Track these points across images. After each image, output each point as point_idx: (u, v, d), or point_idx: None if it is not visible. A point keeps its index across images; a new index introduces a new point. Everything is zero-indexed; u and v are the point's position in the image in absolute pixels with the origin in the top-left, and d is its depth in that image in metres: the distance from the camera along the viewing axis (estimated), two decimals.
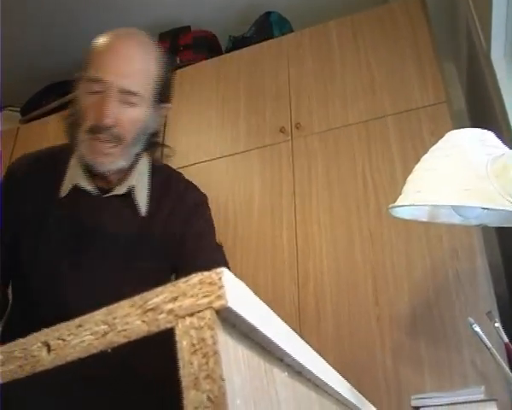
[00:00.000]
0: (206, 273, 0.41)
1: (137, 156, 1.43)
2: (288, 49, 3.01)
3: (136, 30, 1.41)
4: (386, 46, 2.76)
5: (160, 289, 0.42)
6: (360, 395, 1.06)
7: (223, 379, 0.38)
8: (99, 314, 0.44)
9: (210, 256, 1.44)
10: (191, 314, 0.40)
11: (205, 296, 0.40)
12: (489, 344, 1.59)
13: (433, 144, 1.39)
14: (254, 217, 2.67)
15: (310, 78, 2.87)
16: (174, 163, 2.97)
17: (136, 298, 0.43)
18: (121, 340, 0.42)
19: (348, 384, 0.92)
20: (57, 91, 3.71)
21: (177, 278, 1.34)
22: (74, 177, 1.37)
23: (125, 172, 1.41)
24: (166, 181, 1.51)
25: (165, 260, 1.43)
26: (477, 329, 1.61)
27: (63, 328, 0.46)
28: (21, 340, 0.48)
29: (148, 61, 1.35)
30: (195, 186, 1.60)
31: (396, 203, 1.28)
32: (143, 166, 1.46)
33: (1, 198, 1.40)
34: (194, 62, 3.28)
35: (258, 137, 2.85)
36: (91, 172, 1.36)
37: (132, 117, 1.31)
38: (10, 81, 3.92)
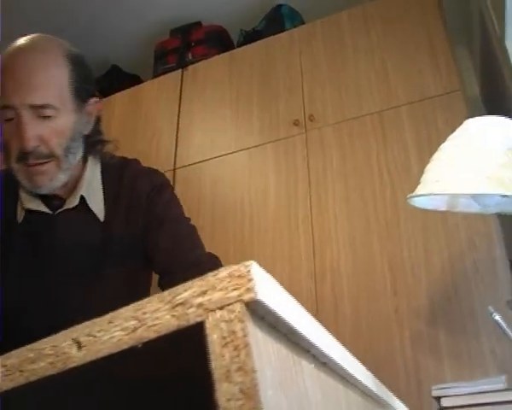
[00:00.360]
0: (234, 266, 0.42)
1: (81, 163, 1.38)
2: (300, 41, 3.01)
3: (34, 38, 1.30)
4: (399, 35, 2.75)
5: (188, 283, 0.43)
6: (384, 387, 1.06)
7: (254, 371, 0.38)
8: (129, 310, 0.44)
9: (174, 242, 1.37)
10: (221, 308, 0.40)
11: (234, 289, 0.41)
12: (509, 333, 1.58)
13: (448, 133, 1.38)
14: (270, 210, 2.67)
15: (322, 69, 2.87)
16: (189, 159, 3.01)
17: (165, 293, 0.43)
18: (151, 335, 0.42)
19: (372, 376, 0.92)
20: None
21: (154, 270, 1.31)
22: (25, 201, 1.34)
23: (75, 183, 1.37)
24: (119, 176, 1.44)
25: (136, 258, 1.39)
26: (497, 318, 1.60)
27: (93, 324, 0.46)
28: (51, 337, 0.48)
29: (52, 68, 1.26)
30: (148, 172, 1.50)
31: (414, 193, 1.28)
32: (92, 171, 1.41)
33: None
34: (207, 57, 3.28)
35: (273, 131, 2.85)
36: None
37: (54, 129, 1.25)
38: None
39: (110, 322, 0.45)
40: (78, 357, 0.46)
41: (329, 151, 2.65)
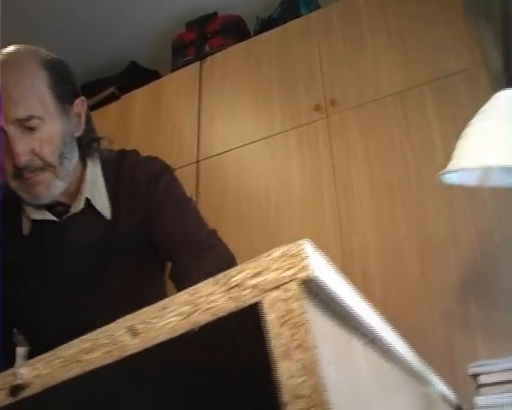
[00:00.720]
0: (287, 246, 0.42)
1: (80, 166, 1.37)
2: (317, 25, 2.99)
3: (6, 53, 1.28)
4: (416, 12, 2.71)
5: (241, 265, 0.43)
6: (424, 364, 1.06)
7: (315, 347, 0.38)
8: (183, 295, 0.45)
9: (177, 225, 1.35)
10: (277, 287, 0.41)
11: (289, 269, 0.41)
12: None
13: (473, 109, 1.37)
14: (295, 197, 2.67)
15: (341, 53, 2.85)
16: (212, 150, 3.02)
17: (219, 276, 0.43)
18: (207, 318, 0.43)
19: (414, 353, 0.92)
20: (91, 90, 3.75)
21: (160, 256, 1.30)
22: (30, 213, 1.33)
23: (77, 186, 1.36)
24: (118, 170, 1.42)
25: (144, 251, 1.38)
26: None
27: (147, 312, 0.46)
28: (106, 327, 0.49)
29: (29, 78, 1.24)
30: (146, 160, 1.47)
31: (447, 169, 1.27)
32: (93, 170, 1.39)
33: None
34: (224, 48, 3.28)
35: (294, 118, 2.84)
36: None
37: (44, 139, 1.23)
38: None
39: (164, 308, 0.45)
40: (133, 345, 0.46)
41: (352, 135, 2.64)
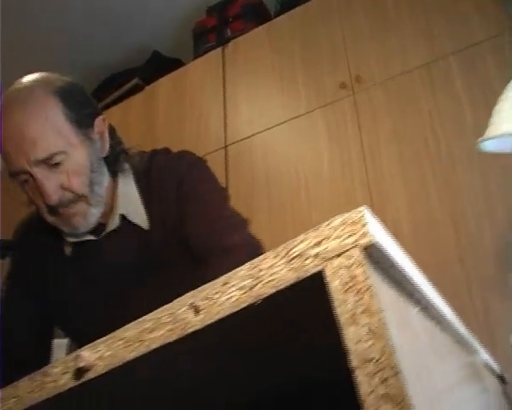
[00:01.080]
0: (346, 214, 0.42)
1: (111, 183, 1.34)
2: (339, 1, 2.96)
3: (16, 89, 1.22)
4: None
5: (301, 236, 0.43)
6: (470, 332, 1.06)
7: (381, 311, 0.39)
8: (243, 270, 0.45)
9: (205, 227, 1.30)
10: (338, 255, 0.41)
11: (350, 236, 0.41)
12: None
13: (502, 78, 1.35)
14: (325, 177, 2.67)
15: (364, 28, 2.82)
16: (239, 134, 3.02)
17: (279, 248, 0.44)
18: (270, 291, 0.43)
19: (462, 323, 0.92)
20: (115, 82, 3.78)
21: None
22: (69, 236, 1.32)
23: (111, 203, 1.33)
24: (147, 176, 1.37)
25: (182, 254, 1.34)
26: None
27: (208, 288, 0.47)
28: (166, 306, 0.50)
29: (43, 114, 1.17)
30: (172, 161, 1.41)
31: (485, 136, 1.26)
32: (125, 183, 1.35)
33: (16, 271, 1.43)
34: (245, 32, 3.27)
35: (319, 97, 2.83)
36: None
37: (71, 172, 1.19)
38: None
39: (225, 283, 0.46)
40: (196, 321, 0.47)
41: (379, 110, 2.62)
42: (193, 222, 1.30)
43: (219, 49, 3.34)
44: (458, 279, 2.16)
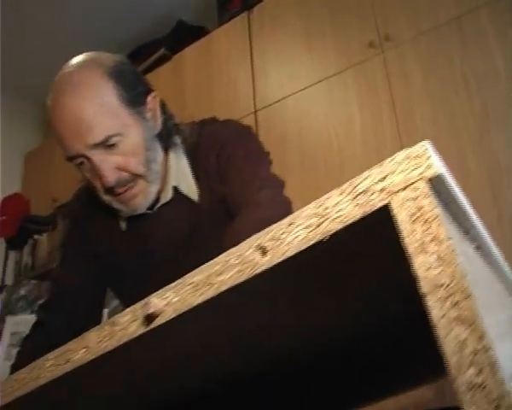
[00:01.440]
0: (410, 149, 0.43)
1: (163, 157, 1.34)
2: None
3: (68, 73, 1.21)
4: None
5: (365, 173, 0.45)
6: None
7: (449, 238, 0.40)
8: (308, 209, 0.47)
9: (240, 189, 1.29)
10: (404, 188, 0.43)
11: (414, 169, 0.43)
12: None
13: None
14: (357, 138, 2.67)
15: None
16: (269, 99, 3.02)
17: (344, 186, 0.45)
18: (337, 227, 0.45)
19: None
20: (142, 54, 3.79)
21: None
22: (123, 212, 1.34)
23: (164, 176, 1.34)
24: (196, 147, 1.37)
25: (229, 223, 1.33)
26: None
27: (274, 229, 0.49)
28: (233, 249, 0.52)
29: (96, 97, 1.17)
30: (217, 129, 1.41)
31: None
32: (176, 155, 1.36)
33: (73, 242, 1.47)
34: None
35: (348, 57, 2.82)
36: None
37: (127, 152, 1.21)
38: None
39: (291, 223, 0.48)
40: (264, 261, 0.49)
41: (410, 68, 2.60)
42: (229, 184, 1.31)
43: (245, 15, 3.33)
44: (495, 237, 2.15)
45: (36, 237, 4.23)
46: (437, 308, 0.40)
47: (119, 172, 1.20)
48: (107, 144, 1.17)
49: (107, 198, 1.25)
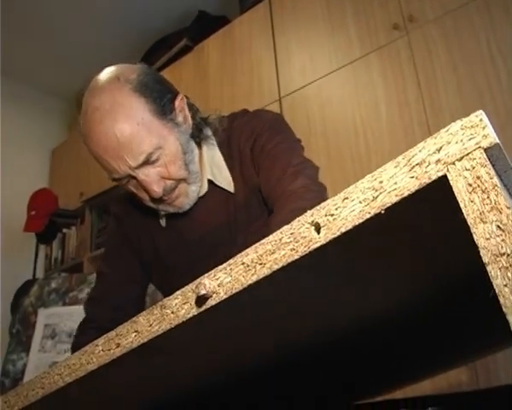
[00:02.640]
0: (465, 119, 0.43)
1: (199, 157, 1.36)
2: None
3: (98, 96, 1.20)
4: None
5: (420, 145, 0.45)
6: None
7: (508, 207, 0.40)
8: (363, 183, 0.47)
9: (274, 181, 1.29)
10: (460, 159, 0.42)
11: (470, 139, 0.43)
12: None
13: None
14: (383, 121, 2.65)
15: None
16: (293, 85, 3.02)
17: (398, 158, 0.45)
18: (394, 199, 0.44)
19: None
20: (164, 46, 3.81)
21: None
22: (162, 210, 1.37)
23: (200, 170, 1.36)
24: (229, 139, 1.40)
25: (265, 213, 1.36)
26: None
27: (328, 205, 0.49)
28: (285, 227, 0.52)
29: (132, 118, 1.18)
30: (249, 120, 1.42)
31: None
32: (209, 149, 1.38)
33: (118, 242, 1.51)
34: None
35: (372, 40, 2.80)
36: None
37: (167, 162, 1.23)
38: (120, 48, 4.06)
39: (345, 198, 0.48)
40: (318, 238, 0.49)
41: (435, 48, 2.58)
42: (264, 175, 1.32)
43: (266, 1, 3.32)
44: None
45: (64, 230, 4.29)
46: (499, 277, 0.40)
47: (164, 181, 1.23)
48: (150, 161, 1.20)
49: (152, 204, 1.29)
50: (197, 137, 1.36)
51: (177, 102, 1.29)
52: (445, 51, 2.53)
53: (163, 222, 1.41)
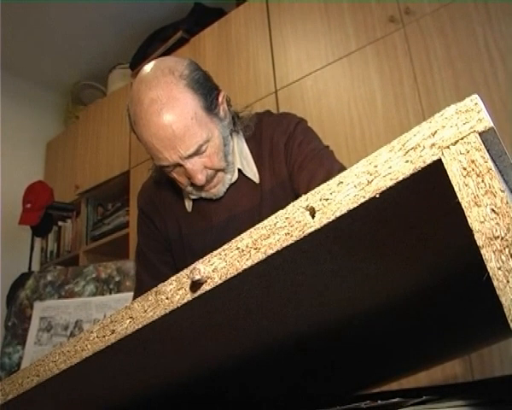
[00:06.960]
0: (460, 103, 0.43)
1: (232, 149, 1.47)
2: None
3: (152, 83, 1.27)
4: None
5: (414, 129, 0.45)
6: None
7: (502, 191, 0.40)
8: (357, 167, 0.47)
9: (310, 182, 1.38)
10: (455, 143, 0.43)
11: (465, 123, 0.43)
12: None
13: None
14: (379, 114, 2.65)
15: None
16: (289, 78, 3.01)
17: (393, 143, 0.45)
18: (388, 183, 0.44)
19: None
20: (160, 38, 3.79)
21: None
22: (190, 194, 1.46)
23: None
24: (258, 134, 1.50)
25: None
26: None
27: (323, 190, 0.49)
28: (280, 211, 0.52)
29: (186, 112, 1.26)
30: (280, 120, 1.52)
31: None
32: (239, 140, 1.48)
33: (144, 230, 1.60)
34: None
35: (368, 32, 2.80)
36: None
37: (211, 154, 1.33)
38: (115, 40, 4.05)
39: (340, 183, 0.48)
40: (313, 222, 0.49)
41: (431, 41, 2.57)
42: (307, 176, 1.39)
43: None
44: None
45: (60, 223, 4.28)
46: (493, 260, 0.40)
47: (206, 170, 1.34)
48: (198, 153, 1.30)
49: (191, 191, 1.41)
50: (232, 130, 1.45)
51: (220, 98, 1.39)
52: (441, 44, 2.53)
53: (189, 207, 1.50)
